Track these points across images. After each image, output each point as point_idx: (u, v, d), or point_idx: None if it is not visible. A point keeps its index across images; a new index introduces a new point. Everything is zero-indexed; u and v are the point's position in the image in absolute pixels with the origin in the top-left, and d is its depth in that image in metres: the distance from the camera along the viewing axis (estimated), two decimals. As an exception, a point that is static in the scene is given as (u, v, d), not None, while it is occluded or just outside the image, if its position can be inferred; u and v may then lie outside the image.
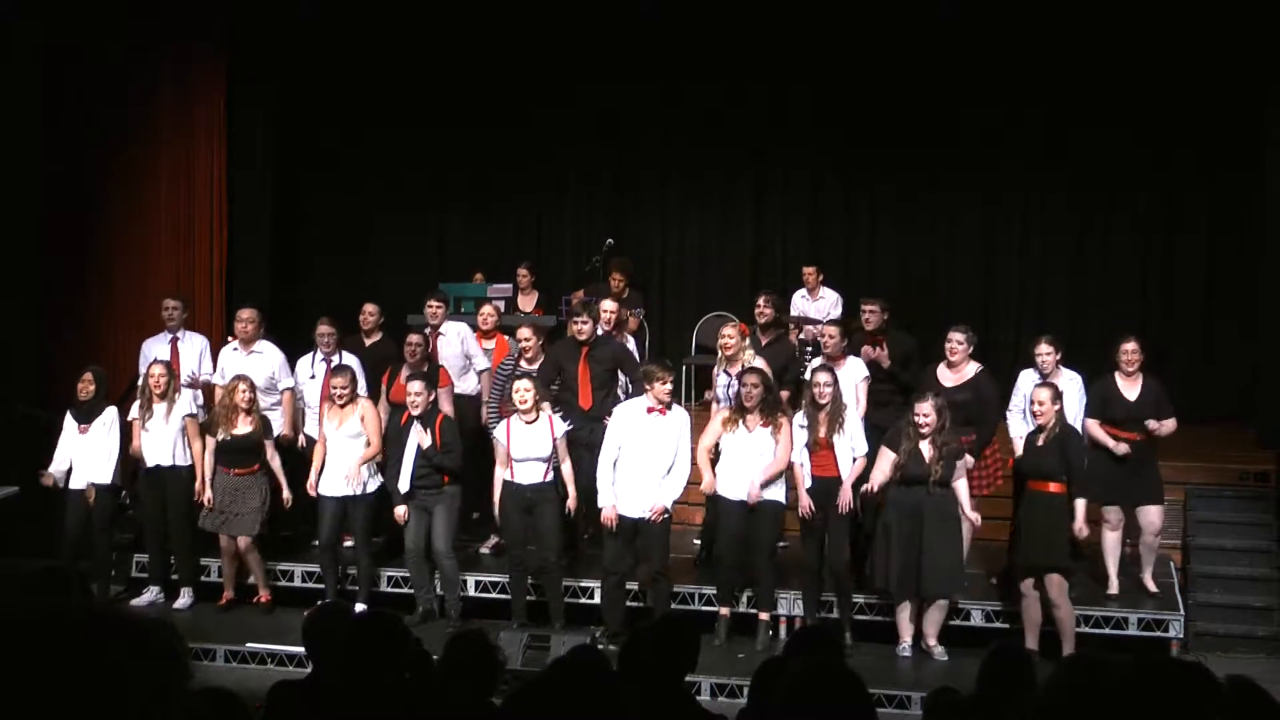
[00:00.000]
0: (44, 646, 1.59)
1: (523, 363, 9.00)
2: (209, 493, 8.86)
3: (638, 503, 8.09)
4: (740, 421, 8.19)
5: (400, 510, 8.57)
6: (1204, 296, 11.97)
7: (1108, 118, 11.82)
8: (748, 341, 9.00)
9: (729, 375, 8.74)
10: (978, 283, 12.51)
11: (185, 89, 11.88)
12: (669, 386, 8.09)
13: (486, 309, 9.99)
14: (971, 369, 8.66)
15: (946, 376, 8.60)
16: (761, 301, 9.55)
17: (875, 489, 8.15)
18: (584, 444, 8.60)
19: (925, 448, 7.98)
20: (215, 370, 9.64)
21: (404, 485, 8.52)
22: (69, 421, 9.10)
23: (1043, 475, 7.98)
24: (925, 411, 7.96)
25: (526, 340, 9.03)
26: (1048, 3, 11.66)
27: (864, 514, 8.53)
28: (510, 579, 8.62)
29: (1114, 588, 8.65)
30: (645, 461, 8.07)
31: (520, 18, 12.48)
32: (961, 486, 8.06)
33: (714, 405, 8.96)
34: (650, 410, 8.07)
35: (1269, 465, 9.88)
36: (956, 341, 8.60)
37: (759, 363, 8.65)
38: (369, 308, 9.95)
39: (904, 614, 8.26)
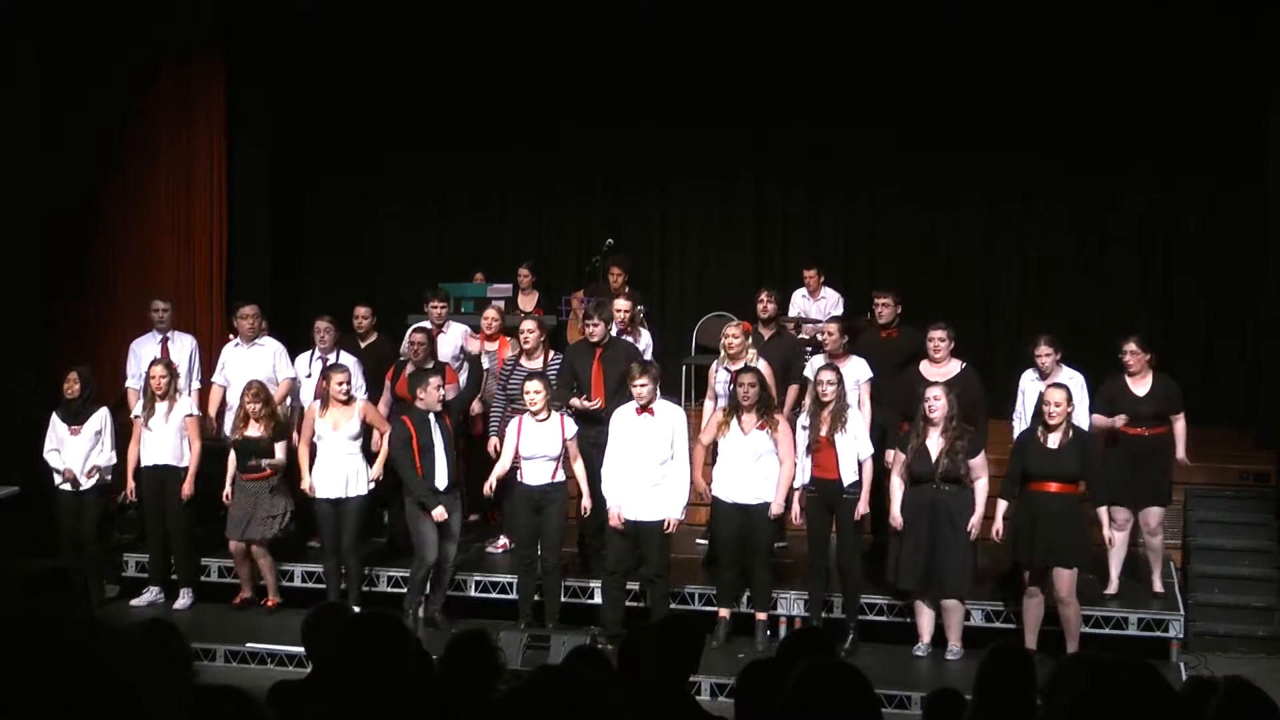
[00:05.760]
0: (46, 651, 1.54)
1: (523, 360, 8.96)
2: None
3: (636, 504, 8.09)
4: (736, 422, 8.15)
5: (439, 511, 8.27)
6: (1204, 297, 11.95)
7: (1109, 118, 11.80)
8: (750, 340, 8.99)
9: (729, 372, 8.73)
10: (978, 283, 12.51)
11: (185, 89, 11.88)
12: (639, 387, 8.02)
13: (490, 312, 9.91)
14: (955, 365, 8.67)
15: (933, 374, 8.57)
16: (764, 296, 9.53)
17: (898, 517, 8.04)
18: (596, 444, 8.54)
19: (933, 442, 7.93)
20: (216, 367, 9.69)
21: (441, 483, 8.36)
22: (56, 422, 9.06)
23: (1060, 477, 7.89)
24: (935, 395, 7.92)
25: (530, 332, 8.93)
26: (1049, 4, 11.65)
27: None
28: (519, 579, 8.59)
29: (1114, 588, 8.65)
30: (639, 462, 8.06)
31: (520, 18, 12.48)
32: (980, 490, 7.94)
33: (708, 402, 8.96)
34: (640, 411, 8.06)
35: (1269, 465, 9.88)
36: (939, 339, 8.60)
37: (761, 363, 8.63)
38: (361, 310, 9.88)
39: (924, 613, 8.22)
